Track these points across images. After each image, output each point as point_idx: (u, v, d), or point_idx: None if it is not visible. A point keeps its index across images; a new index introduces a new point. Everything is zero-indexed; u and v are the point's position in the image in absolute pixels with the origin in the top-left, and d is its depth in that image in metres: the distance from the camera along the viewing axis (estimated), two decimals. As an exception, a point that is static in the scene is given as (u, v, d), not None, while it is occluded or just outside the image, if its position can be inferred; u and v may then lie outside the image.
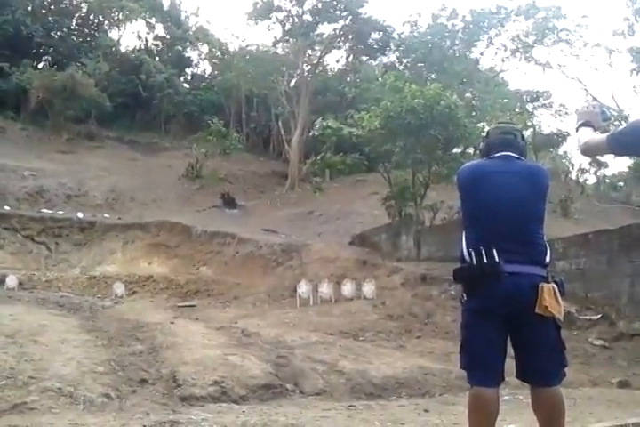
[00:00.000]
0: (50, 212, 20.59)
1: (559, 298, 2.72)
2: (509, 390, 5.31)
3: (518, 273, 2.71)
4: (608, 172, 29.48)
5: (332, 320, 9.82)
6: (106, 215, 21.19)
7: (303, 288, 11.89)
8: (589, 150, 2.75)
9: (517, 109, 23.71)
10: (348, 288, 11.78)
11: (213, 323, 9.38)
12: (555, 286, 2.73)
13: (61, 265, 18.23)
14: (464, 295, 2.85)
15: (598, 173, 28.95)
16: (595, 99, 23.32)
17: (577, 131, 2.80)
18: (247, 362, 6.07)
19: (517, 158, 3.01)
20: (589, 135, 2.70)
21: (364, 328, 9.16)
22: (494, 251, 2.72)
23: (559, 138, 25.53)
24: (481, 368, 2.74)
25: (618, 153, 2.72)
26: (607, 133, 2.56)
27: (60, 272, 17.14)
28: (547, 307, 2.65)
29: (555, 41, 23.82)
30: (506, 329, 2.77)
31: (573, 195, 19.87)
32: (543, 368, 2.76)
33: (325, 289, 11.87)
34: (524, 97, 28.76)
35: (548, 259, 2.84)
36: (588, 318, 8.83)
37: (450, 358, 6.74)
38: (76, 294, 14.61)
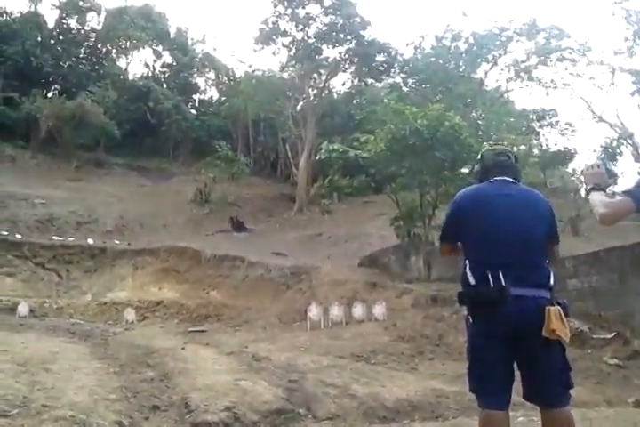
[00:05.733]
0: (60, 239, 20.75)
1: (565, 320, 2.73)
2: (524, 412, 5.24)
3: (524, 296, 2.73)
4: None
5: (343, 343, 9.76)
6: (116, 241, 21.33)
7: (313, 311, 11.86)
8: (613, 216, 2.58)
9: (524, 128, 23.81)
10: (358, 310, 11.73)
11: (224, 348, 9.34)
12: (559, 308, 2.74)
13: (72, 292, 18.30)
14: (470, 318, 2.86)
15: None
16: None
17: (588, 195, 2.73)
18: (258, 387, 6.04)
19: (514, 183, 3.06)
20: (604, 201, 2.60)
21: (376, 351, 9.09)
22: (500, 274, 2.74)
23: (567, 156, 25.54)
24: (490, 391, 2.75)
25: None
26: (624, 193, 2.50)
27: (71, 299, 17.20)
28: (554, 330, 2.66)
29: (559, 58, 23.94)
30: (513, 351, 2.78)
31: (583, 213, 19.77)
32: (550, 390, 2.75)
33: (336, 312, 11.83)
34: (531, 116, 28.90)
35: (552, 282, 2.86)
36: (601, 336, 8.72)
37: (463, 380, 6.60)
38: (87, 320, 14.65)
